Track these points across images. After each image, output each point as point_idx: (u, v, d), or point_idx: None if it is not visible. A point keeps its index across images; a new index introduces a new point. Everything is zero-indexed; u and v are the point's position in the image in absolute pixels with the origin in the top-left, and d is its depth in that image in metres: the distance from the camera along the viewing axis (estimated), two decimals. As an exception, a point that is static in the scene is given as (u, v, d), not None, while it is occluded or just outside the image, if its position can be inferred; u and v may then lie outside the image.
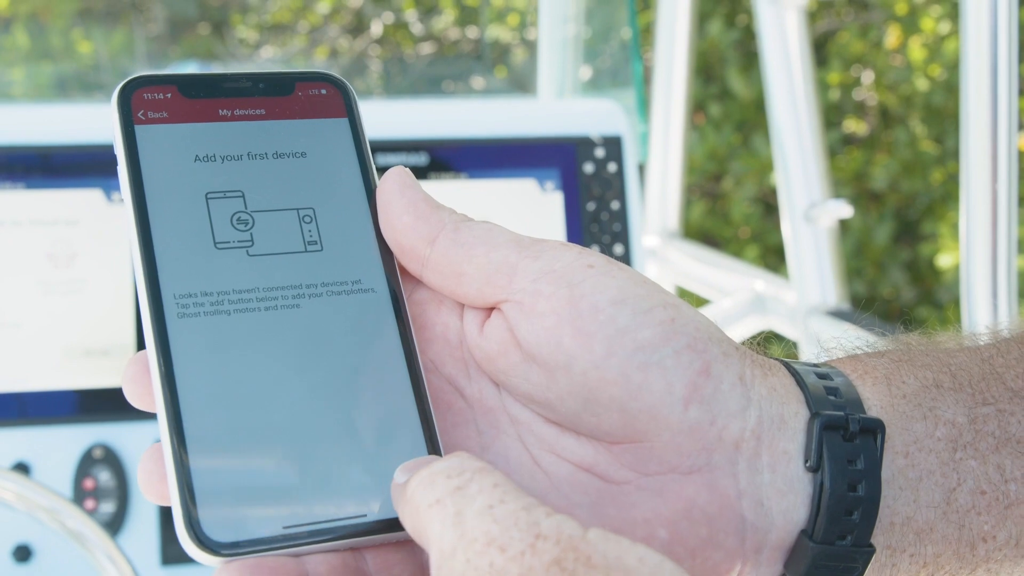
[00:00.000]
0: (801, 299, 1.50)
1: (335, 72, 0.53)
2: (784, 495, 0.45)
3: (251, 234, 0.48)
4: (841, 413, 0.45)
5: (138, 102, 0.49)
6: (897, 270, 3.39)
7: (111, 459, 1.15)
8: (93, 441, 1.16)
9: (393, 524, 0.44)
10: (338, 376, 0.46)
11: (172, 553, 1.15)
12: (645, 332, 0.44)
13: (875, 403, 0.47)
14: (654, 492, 0.45)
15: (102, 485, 1.15)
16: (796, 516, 0.45)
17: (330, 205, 0.50)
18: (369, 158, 0.51)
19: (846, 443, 0.45)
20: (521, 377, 0.47)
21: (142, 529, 1.16)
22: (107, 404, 1.17)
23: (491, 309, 0.48)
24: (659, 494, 0.44)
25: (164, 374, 0.45)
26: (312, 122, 0.51)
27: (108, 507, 1.15)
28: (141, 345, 1.18)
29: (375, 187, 0.50)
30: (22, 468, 1.14)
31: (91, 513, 1.12)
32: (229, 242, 0.48)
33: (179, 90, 0.50)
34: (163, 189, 0.48)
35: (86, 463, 1.15)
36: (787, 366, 0.48)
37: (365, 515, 0.44)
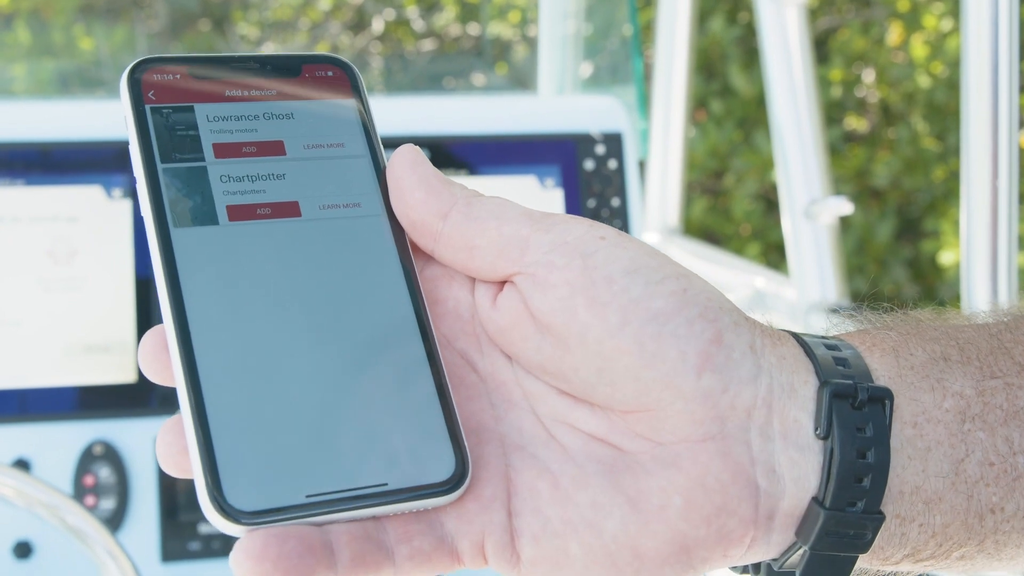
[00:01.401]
0: (801, 296, 1.50)
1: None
2: (795, 462, 0.45)
3: (264, 211, 0.49)
4: (850, 382, 0.46)
5: (148, 83, 0.50)
6: (899, 267, 3.39)
7: (111, 456, 1.15)
8: (93, 438, 1.16)
9: (414, 493, 0.45)
10: (355, 348, 0.47)
11: (172, 549, 1.15)
12: (658, 302, 0.45)
13: (883, 374, 0.47)
14: (668, 461, 0.45)
15: (102, 481, 1.15)
16: (807, 483, 0.46)
17: (340, 183, 0.50)
18: (377, 138, 0.52)
19: (855, 411, 0.46)
20: (534, 349, 0.47)
21: (142, 525, 1.16)
22: (107, 401, 1.17)
23: (503, 283, 0.49)
24: (673, 463, 0.45)
25: (182, 345, 0.45)
26: (320, 103, 0.52)
27: (108, 504, 1.15)
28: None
29: (383, 166, 0.51)
30: (22, 464, 1.14)
31: (91, 510, 1.12)
32: (242, 218, 0.48)
33: (189, 71, 0.51)
34: (175, 168, 0.48)
35: (86, 460, 1.15)
36: (796, 337, 0.49)
37: (386, 483, 0.45)
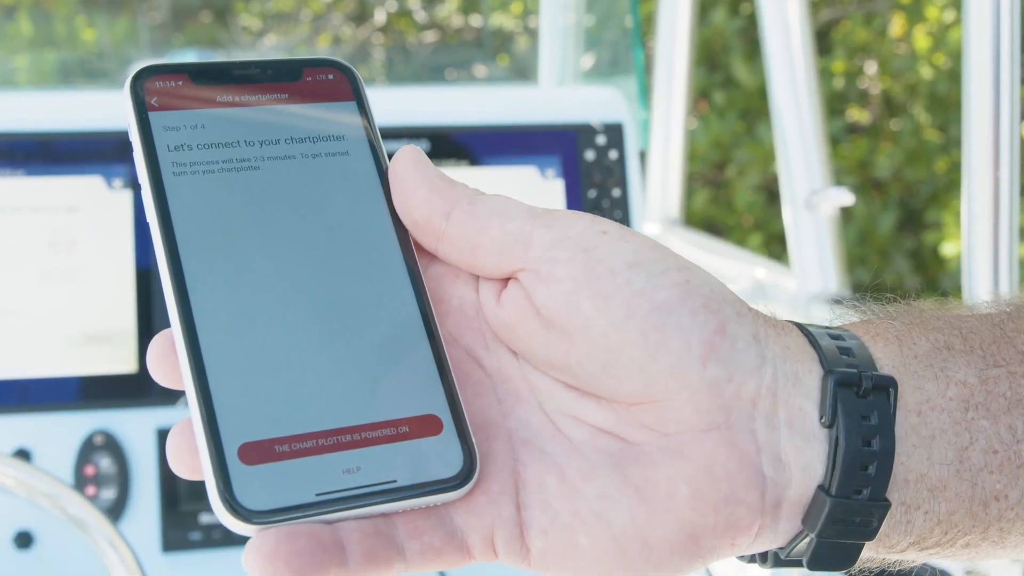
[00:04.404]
0: (802, 286, 1.50)
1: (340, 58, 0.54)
2: (801, 451, 0.46)
3: (269, 217, 0.49)
4: (854, 371, 0.46)
5: (150, 90, 0.50)
6: (901, 258, 3.39)
7: (112, 446, 1.15)
8: (94, 428, 1.16)
9: (423, 489, 0.45)
10: (363, 348, 0.47)
11: (173, 539, 1.15)
12: (661, 293, 0.45)
13: (887, 363, 0.48)
14: (674, 451, 0.45)
15: (103, 472, 1.15)
16: (813, 471, 0.46)
17: (342, 186, 0.51)
18: (378, 139, 0.52)
19: (860, 399, 0.46)
20: (540, 344, 0.47)
21: (143, 516, 1.16)
22: (108, 391, 1.17)
23: (507, 280, 0.49)
24: (679, 452, 0.45)
25: (190, 349, 0.45)
26: (321, 106, 0.52)
27: (109, 494, 1.15)
28: (143, 331, 1.18)
29: (386, 168, 0.51)
30: (23, 454, 1.14)
31: (92, 500, 1.12)
32: (248, 225, 0.48)
33: (190, 78, 0.51)
34: (180, 176, 0.49)
35: (87, 450, 1.15)
36: (800, 327, 0.49)
37: (395, 480, 0.45)
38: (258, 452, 0.44)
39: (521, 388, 0.49)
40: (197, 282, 0.47)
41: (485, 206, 0.49)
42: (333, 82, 0.53)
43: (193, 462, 0.45)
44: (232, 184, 0.49)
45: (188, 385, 0.45)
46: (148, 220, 0.48)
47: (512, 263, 0.48)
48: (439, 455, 0.46)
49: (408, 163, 0.50)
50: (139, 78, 0.50)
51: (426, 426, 0.46)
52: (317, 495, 0.44)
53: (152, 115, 0.49)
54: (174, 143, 0.49)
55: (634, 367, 0.45)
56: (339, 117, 0.52)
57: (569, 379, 0.47)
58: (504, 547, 0.46)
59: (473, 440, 0.46)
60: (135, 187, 1.18)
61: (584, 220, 0.48)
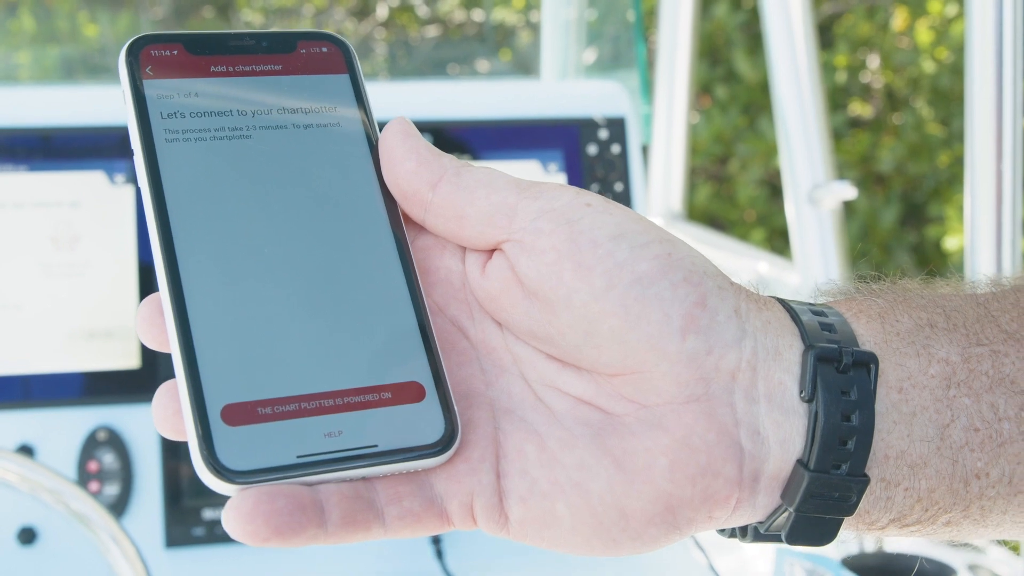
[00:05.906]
0: (804, 280, 1.50)
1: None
2: (780, 425, 0.46)
3: (259, 185, 0.49)
4: (835, 346, 0.46)
5: (145, 59, 0.50)
6: (903, 252, 3.39)
7: (115, 441, 1.15)
8: (97, 423, 1.16)
9: (403, 454, 0.45)
10: (347, 314, 0.48)
11: (176, 535, 1.16)
12: (643, 265, 0.45)
13: (869, 339, 0.48)
14: (653, 422, 0.45)
15: (106, 467, 1.15)
16: (792, 446, 0.46)
17: (333, 157, 0.51)
18: (370, 112, 0.53)
19: (840, 375, 0.46)
20: (523, 314, 0.48)
21: (146, 511, 1.16)
22: (111, 386, 1.17)
23: (492, 251, 0.49)
24: (658, 424, 0.45)
25: (176, 311, 0.46)
26: (314, 78, 0.52)
27: (112, 489, 1.15)
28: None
29: (376, 140, 0.52)
30: (26, 450, 1.15)
31: (95, 495, 1.12)
32: (238, 193, 0.49)
33: (185, 47, 0.51)
34: (172, 142, 0.49)
35: (90, 445, 1.15)
36: (782, 303, 0.49)
37: (377, 445, 0.45)
38: (241, 413, 0.44)
39: (504, 358, 0.49)
40: (185, 247, 0.47)
41: (471, 177, 0.49)
42: (327, 55, 0.53)
43: (178, 423, 0.46)
44: (223, 152, 0.50)
45: (173, 347, 0.46)
46: (139, 185, 0.48)
47: (497, 234, 0.48)
48: (421, 421, 0.46)
49: (397, 135, 0.50)
50: (135, 46, 0.50)
51: (409, 393, 0.47)
52: (298, 457, 0.44)
53: (146, 82, 0.50)
54: (167, 110, 0.50)
55: (614, 338, 0.45)
56: (332, 89, 0.52)
57: (551, 350, 0.48)
58: (483, 514, 0.46)
59: (455, 408, 0.47)
60: (137, 182, 1.18)
61: (569, 192, 0.48)
